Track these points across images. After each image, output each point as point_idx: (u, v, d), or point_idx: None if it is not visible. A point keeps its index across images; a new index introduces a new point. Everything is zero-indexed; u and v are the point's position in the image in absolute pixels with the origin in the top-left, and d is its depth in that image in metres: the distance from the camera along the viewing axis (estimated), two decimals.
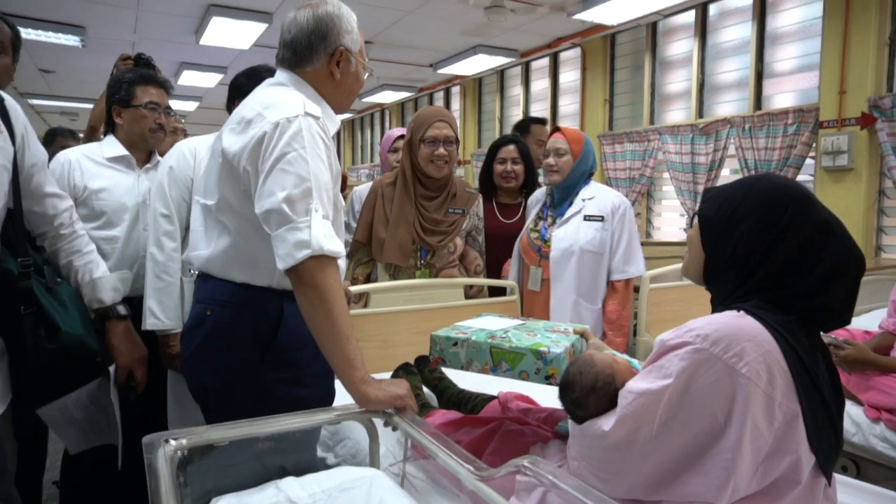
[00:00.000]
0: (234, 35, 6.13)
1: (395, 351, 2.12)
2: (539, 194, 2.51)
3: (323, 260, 1.19)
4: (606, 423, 1.03)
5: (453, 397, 1.71)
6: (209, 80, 8.22)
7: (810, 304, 1.01)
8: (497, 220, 2.68)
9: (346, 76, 1.41)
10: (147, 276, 1.90)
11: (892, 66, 4.23)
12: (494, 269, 2.63)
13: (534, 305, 2.40)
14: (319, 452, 1.69)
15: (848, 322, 1.05)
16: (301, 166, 1.22)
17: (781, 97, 4.93)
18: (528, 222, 2.47)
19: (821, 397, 0.99)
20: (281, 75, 1.41)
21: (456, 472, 0.91)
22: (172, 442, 1.01)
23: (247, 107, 1.34)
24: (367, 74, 1.47)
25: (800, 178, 4.62)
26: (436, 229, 2.27)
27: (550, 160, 2.33)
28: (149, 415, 1.93)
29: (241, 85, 2.00)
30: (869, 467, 1.87)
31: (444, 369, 1.88)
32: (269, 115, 1.27)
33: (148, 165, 2.11)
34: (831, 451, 1.02)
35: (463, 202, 2.34)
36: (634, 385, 1.03)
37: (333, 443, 1.66)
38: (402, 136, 2.83)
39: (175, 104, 2.69)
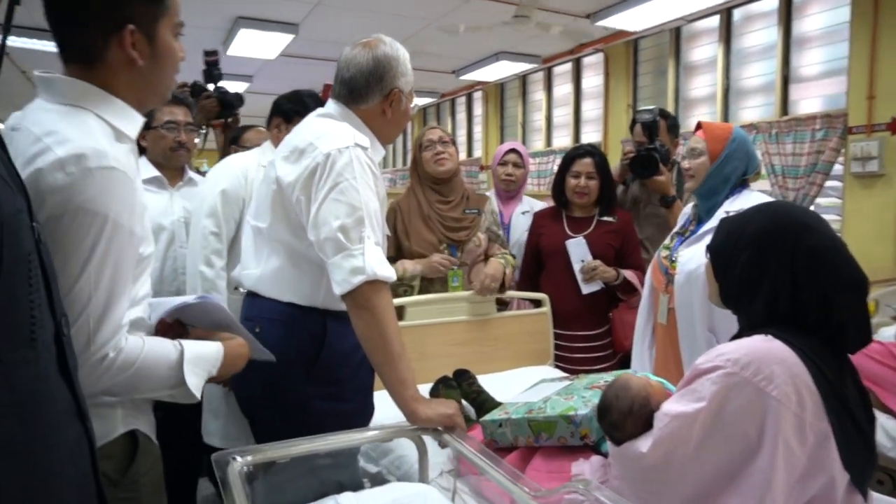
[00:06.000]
0: (260, 46, 6.24)
1: (431, 363, 2.18)
2: (688, 207, 2.08)
3: (377, 284, 1.25)
4: (644, 444, 1.08)
5: (492, 410, 1.75)
6: (235, 88, 8.33)
7: (828, 326, 1.06)
8: (564, 233, 2.55)
9: (397, 114, 1.48)
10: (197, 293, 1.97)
11: None
12: (551, 282, 2.56)
13: (665, 341, 1.93)
14: (362, 463, 1.76)
15: (869, 340, 1.10)
16: (353, 196, 1.29)
17: (808, 102, 4.90)
18: (666, 239, 2.06)
19: (851, 416, 1.03)
20: (332, 107, 1.48)
21: (509, 491, 0.96)
22: (239, 458, 1.08)
23: (298, 136, 1.41)
24: (414, 110, 1.53)
25: (829, 183, 4.58)
26: (459, 226, 2.41)
27: (685, 163, 1.94)
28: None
29: (284, 108, 2.07)
30: None
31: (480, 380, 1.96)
32: (321, 145, 1.34)
33: (180, 183, 2.16)
34: (865, 468, 1.06)
35: (476, 203, 2.47)
36: (669, 408, 1.08)
37: (377, 455, 1.72)
38: (511, 150, 2.93)
39: None
